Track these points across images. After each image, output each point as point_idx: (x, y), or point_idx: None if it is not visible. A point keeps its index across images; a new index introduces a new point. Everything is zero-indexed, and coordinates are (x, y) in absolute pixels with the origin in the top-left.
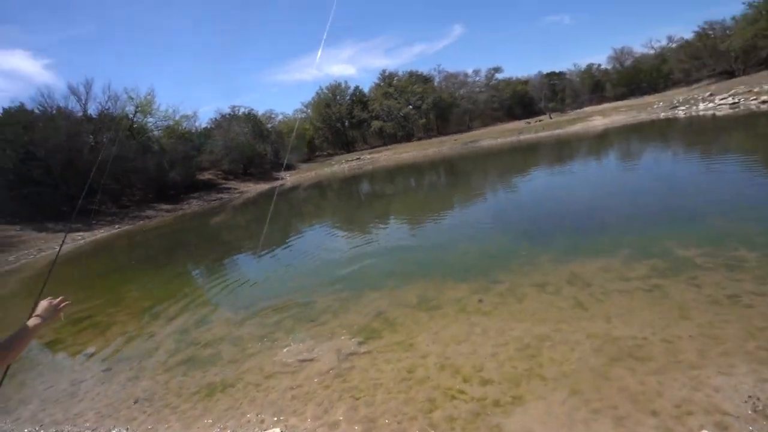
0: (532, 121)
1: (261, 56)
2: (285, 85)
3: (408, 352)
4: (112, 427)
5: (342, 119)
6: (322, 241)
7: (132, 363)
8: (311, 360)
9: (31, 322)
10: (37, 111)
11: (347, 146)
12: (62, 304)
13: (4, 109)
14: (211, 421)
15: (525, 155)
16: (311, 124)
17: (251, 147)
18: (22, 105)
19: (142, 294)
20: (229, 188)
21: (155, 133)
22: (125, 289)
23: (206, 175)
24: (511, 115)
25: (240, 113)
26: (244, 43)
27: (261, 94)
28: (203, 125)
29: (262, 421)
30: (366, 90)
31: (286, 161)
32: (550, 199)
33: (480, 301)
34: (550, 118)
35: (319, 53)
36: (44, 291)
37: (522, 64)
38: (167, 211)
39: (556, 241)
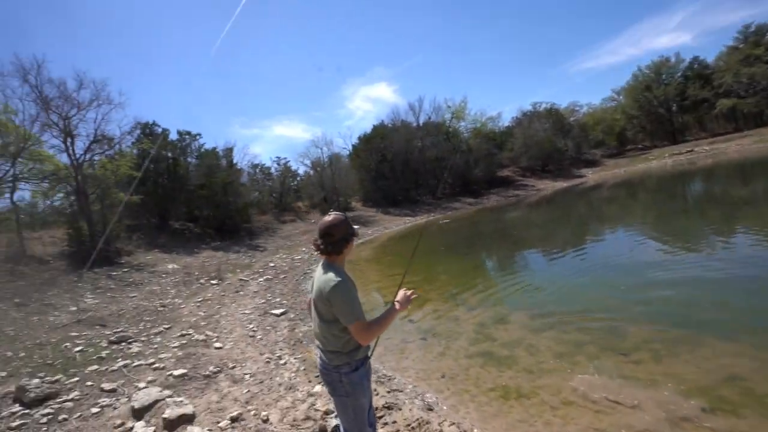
0: None
1: (560, 47)
2: (592, 73)
3: None
4: (425, 391)
5: (668, 102)
6: (626, 251)
7: (441, 340)
8: (622, 405)
9: (396, 306)
10: (389, 125)
11: (673, 136)
12: (413, 296)
13: (373, 126)
14: (504, 426)
15: None
16: (622, 113)
17: (550, 143)
18: (382, 122)
19: (449, 279)
20: (526, 185)
21: (465, 135)
22: (437, 272)
23: (505, 172)
24: None
25: (541, 109)
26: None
27: (564, 87)
28: (505, 124)
29: None
30: (710, 60)
31: (588, 156)
32: None
33: None
34: None
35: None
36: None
37: None
38: (470, 204)
39: None
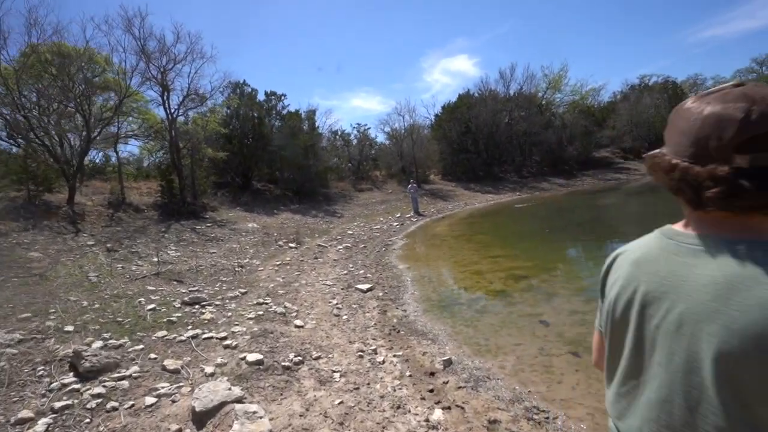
0: None
1: (674, 10)
2: (716, 42)
3: None
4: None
5: None
6: None
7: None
8: None
9: None
10: (475, 95)
11: None
12: None
13: (459, 95)
14: None
15: None
16: None
17: (663, 122)
18: (468, 91)
19: (568, 268)
20: (628, 169)
21: (560, 109)
22: (549, 258)
23: (603, 153)
24: None
25: (651, 83)
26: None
27: (677, 59)
28: (605, 100)
29: None
30: None
31: None
32: None
33: None
34: None
35: None
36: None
37: None
38: (560, 185)
39: None
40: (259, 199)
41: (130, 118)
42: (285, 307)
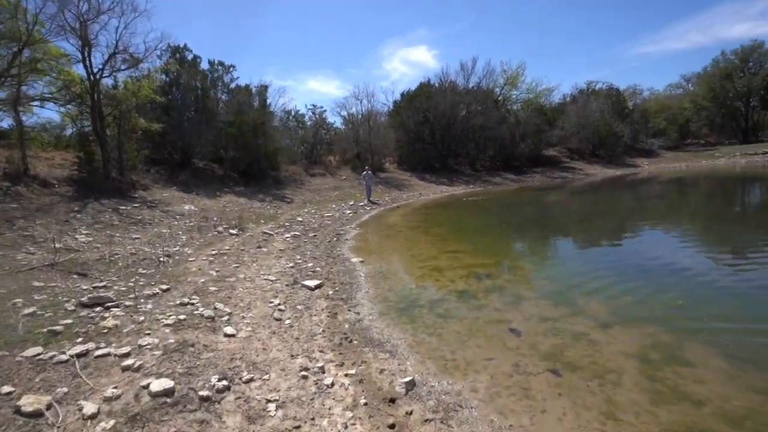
0: None
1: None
2: (650, 59)
3: None
4: None
5: (749, 95)
6: (664, 252)
7: (588, 379)
8: None
9: None
10: (436, 85)
11: (744, 134)
12: None
13: (420, 83)
14: None
15: None
16: (691, 103)
17: (607, 126)
18: (428, 80)
19: (529, 267)
20: (574, 168)
21: (514, 106)
22: (509, 256)
23: (550, 152)
24: None
25: (597, 88)
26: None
27: (616, 70)
28: (556, 101)
29: None
30: None
31: (644, 146)
32: None
33: None
34: None
35: None
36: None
37: None
38: (512, 180)
39: None
40: (199, 179)
41: (48, 79)
42: (215, 308)
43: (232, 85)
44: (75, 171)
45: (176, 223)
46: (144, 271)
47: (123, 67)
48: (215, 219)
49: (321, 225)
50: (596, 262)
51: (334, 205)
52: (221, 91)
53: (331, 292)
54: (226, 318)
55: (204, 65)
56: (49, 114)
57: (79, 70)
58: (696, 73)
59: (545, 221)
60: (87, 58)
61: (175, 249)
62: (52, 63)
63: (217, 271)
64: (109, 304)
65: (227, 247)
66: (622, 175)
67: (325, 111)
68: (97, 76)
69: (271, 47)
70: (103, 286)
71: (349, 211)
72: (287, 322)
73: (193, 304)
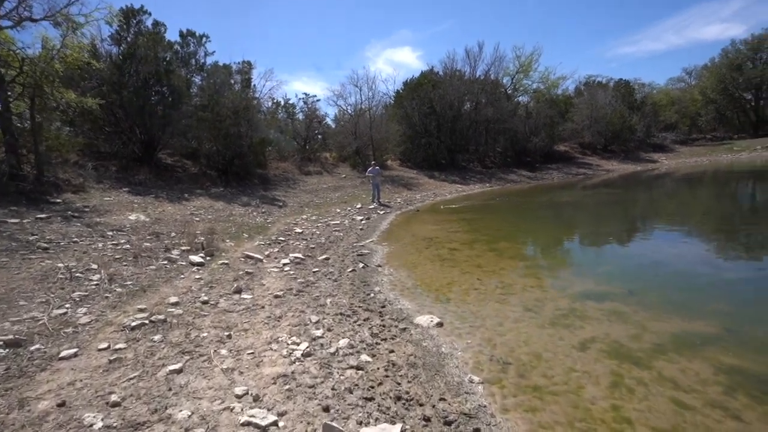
0: None
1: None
2: (629, 59)
3: None
4: None
5: (761, 86)
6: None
7: None
8: None
9: None
10: (440, 73)
11: (755, 127)
12: None
13: (421, 72)
14: None
15: None
16: (701, 96)
17: (621, 118)
18: (431, 68)
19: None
20: (589, 164)
21: (523, 98)
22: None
23: (561, 147)
24: None
25: (603, 81)
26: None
27: (598, 70)
28: (563, 92)
29: None
30: None
31: (656, 140)
32: None
33: None
34: None
35: None
36: None
37: None
38: (528, 178)
39: None
40: (165, 179)
41: None
42: None
43: (207, 63)
44: None
45: (100, 245)
46: None
47: (36, 15)
48: (172, 234)
49: (330, 239)
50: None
51: (338, 209)
52: (194, 70)
53: None
54: None
55: (173, 36)
56: None
57: None
58: (702, 66)
59: (620, 226)
60: None
61: (58, 313)
62: None
63: (119, 399)
64: None
65: (173, 299)
66: (642, 171)
67: (318, 100)
68: None
69: (253, 49)
70: None
71: (360, 218)
72: None
73: None
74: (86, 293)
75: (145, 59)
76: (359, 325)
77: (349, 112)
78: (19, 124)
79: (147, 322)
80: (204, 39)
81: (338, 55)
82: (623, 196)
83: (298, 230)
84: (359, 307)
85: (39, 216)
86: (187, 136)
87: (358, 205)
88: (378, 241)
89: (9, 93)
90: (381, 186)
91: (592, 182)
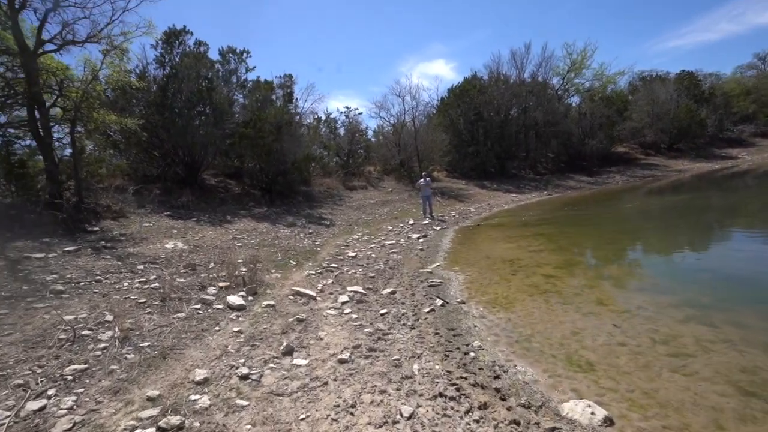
0: None
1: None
2: (676, 53)
3: None
4: None
5: None
6: None
7: None
8: None
9: None
10: (484, 78)
11: None
12: None
13: (464, 78)
14: None
15: None
16: None
17: (689, 114)
18: (475, 73)
19: None
20: (655, 165)
21: (574, 99)
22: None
23: (619, 148)
24: None
25: (663, 74)
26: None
27: (649, 65)
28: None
29: None
30: None
31: (731, 134)
32: None
33: None
34: None
35: None
36: None
37: None
38: (588, 183)
39: None
40: (208, 200)
41: None
42: None
43: (249, 81)
44: None
45: (126, 284)
46: None
47: (79, 37)
48: (210, 266)
49: (389, 264)
50: None
51: (389, 226)
52: (235, 88)
53: None
54: None
55: (213, 54)
56: None
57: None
58: None
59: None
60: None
61: (31, 409)
62: None
63: None
64: None
65: (200, 374)
66: (720, 169)
67: (360, 114)
68: (37, 49)
69: (289, 69)
70: None
71: (416, 235)
72: None
73: None
74: (86, 365)
75: (187, 79)
76: (477, 422)
77: (392, 122)
78: (59, 151)
79: (154, 429)
80: (245, 54)
81: (372, 73)
82: (728, 198)
83: (351, 254)
84: (462, 378)
85: (67, 249)
86: (230, 155)
87: (411, 221)
88: (447, 266)
89: (50, 116)
90: (432, 198)
91: (668, 183)
